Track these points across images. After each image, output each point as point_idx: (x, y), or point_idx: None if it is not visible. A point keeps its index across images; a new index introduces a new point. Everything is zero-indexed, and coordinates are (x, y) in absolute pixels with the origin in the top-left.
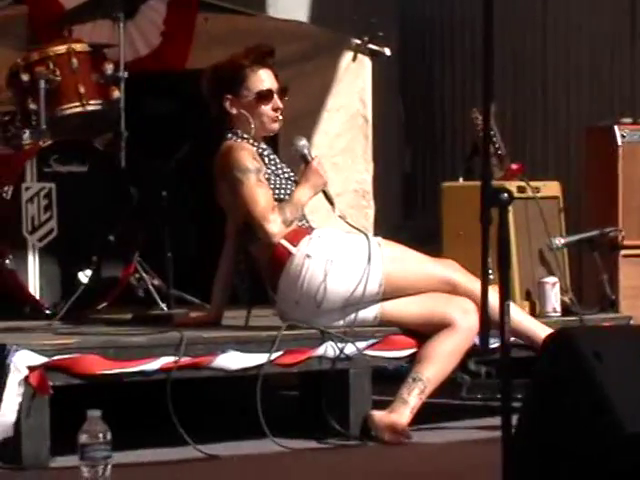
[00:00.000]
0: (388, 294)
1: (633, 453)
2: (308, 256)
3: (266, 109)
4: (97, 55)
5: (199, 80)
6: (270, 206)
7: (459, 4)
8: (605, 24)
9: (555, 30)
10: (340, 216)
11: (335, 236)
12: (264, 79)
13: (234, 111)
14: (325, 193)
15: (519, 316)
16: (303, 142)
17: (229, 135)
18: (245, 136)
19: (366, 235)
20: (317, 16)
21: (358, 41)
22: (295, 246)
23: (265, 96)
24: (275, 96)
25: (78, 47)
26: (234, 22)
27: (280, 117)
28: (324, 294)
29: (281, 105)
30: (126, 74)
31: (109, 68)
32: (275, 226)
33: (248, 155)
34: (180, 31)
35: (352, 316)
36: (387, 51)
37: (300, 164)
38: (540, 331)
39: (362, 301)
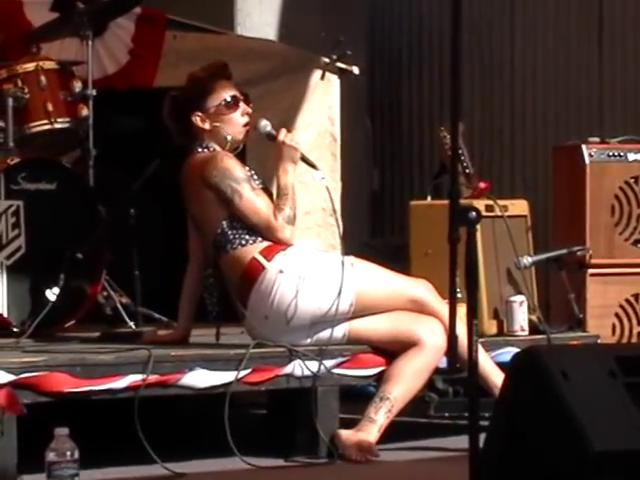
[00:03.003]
0: (358, 312)
1: (601, 471)
2: (281, 272)
3: (236, 115)
4: (65, 73)
5: (162, 109)
6: (271, 213)
7: (427, 23)
8: (573, 44)
9: (523, 50)
10: (323, 178)
11: (309, 253)
12: (227, 88)
13: (207, 126)
14: (304, 160)
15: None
16: (264, 122)
17: (199, 149)
18: (218, 149)
19: (340, 239)
20: (286, 34)
21: (327, 59)
22: (269, 261)
23: (232, 103)
24: (242, 102)
25: (46, 65)
26: (203, 40)
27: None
28: (294, 311)
29: (249, 110)
30: (94, 92)
31: (77, 86)
32: (286, 232)
33: (236, 163)
34: (148, 49)
35: (321, 334)
36: (355, 69)
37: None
38: (494, 376)
39: (332, 319)
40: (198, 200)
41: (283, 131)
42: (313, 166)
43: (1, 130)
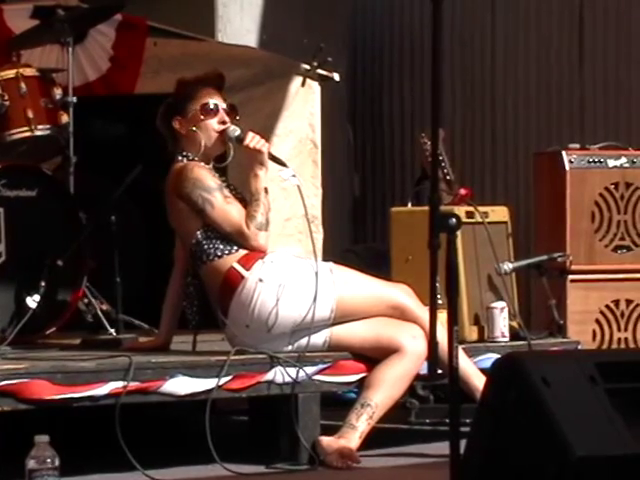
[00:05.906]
0: (339, 319)
1: (582, 476)
2: (260, 280)
3: (212, 122)
4: (46, 80)
5: (149, 106)
6: (243, 221)
7: (408, 30)
8: (553, 51)
9: (504, 57)
10: (294, 176)
11: (288, 261)
12: (209, 95)
13: (183, 131)
14: (272, 158)
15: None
16: (232, 127)
17: (179, 157)
18: (195, 158)
19: (315, 254)
20: (267, 41)
21: (307, 66)
22: (248, 270)
23: (210, 109)
24: (221, 111)
25: (27, 72)
26: (184, 47)
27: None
28: (275, 319)
29: (227, 119)
30: (75, 99)
31: (58, 93)
32: (260, 239)
33: (207, 173)
34: (129, 56)
35: (302, 341)
36: (336, 76)
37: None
38: (475, 379)
39: (313, 326)
40: (174, 211)
41: (249, 135)
42: (282, 164)
43: None
